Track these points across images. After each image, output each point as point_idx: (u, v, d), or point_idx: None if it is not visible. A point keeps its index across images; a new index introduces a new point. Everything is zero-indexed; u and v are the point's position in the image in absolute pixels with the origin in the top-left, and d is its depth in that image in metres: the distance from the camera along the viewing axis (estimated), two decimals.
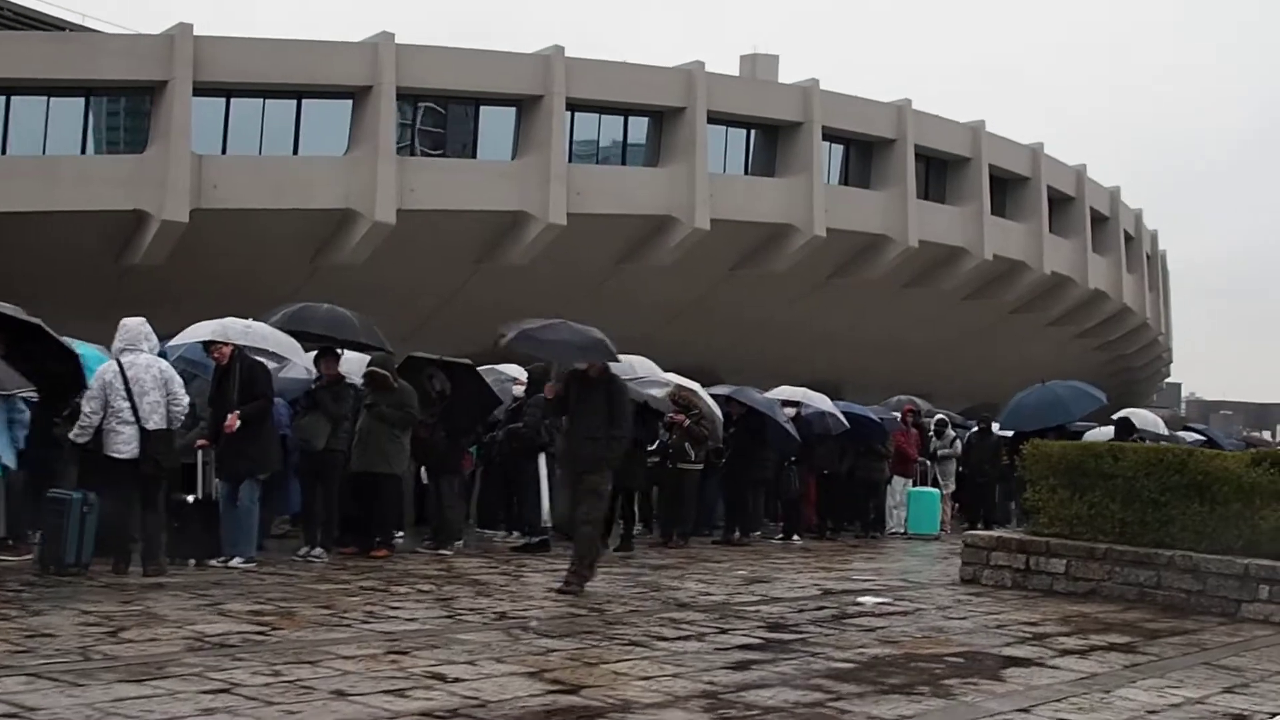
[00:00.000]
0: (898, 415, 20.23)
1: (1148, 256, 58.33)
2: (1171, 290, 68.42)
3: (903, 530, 19.53)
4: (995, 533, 13.25)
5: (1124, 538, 12.13)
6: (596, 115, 39.61)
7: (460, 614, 9.36)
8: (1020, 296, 48.32)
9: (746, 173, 41.88)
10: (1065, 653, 8.83)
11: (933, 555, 16.59)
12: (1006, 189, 47.64)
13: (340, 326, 13.48)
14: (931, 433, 21.31)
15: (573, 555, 10.93)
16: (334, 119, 36.30)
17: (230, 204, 33.45)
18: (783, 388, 18.63)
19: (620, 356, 17.82)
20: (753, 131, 42.03)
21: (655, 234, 39.19)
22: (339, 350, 13.12)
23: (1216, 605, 11.21)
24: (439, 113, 38.60)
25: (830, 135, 42.43)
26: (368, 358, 13.37)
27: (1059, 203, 49.57)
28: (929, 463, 20.72)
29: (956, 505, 21.94)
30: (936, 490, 20.15)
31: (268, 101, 36.10)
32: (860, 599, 11.20)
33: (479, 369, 15.46)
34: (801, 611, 10.27)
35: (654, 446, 15.96)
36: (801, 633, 9.15)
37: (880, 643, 8.87)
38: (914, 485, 20.03)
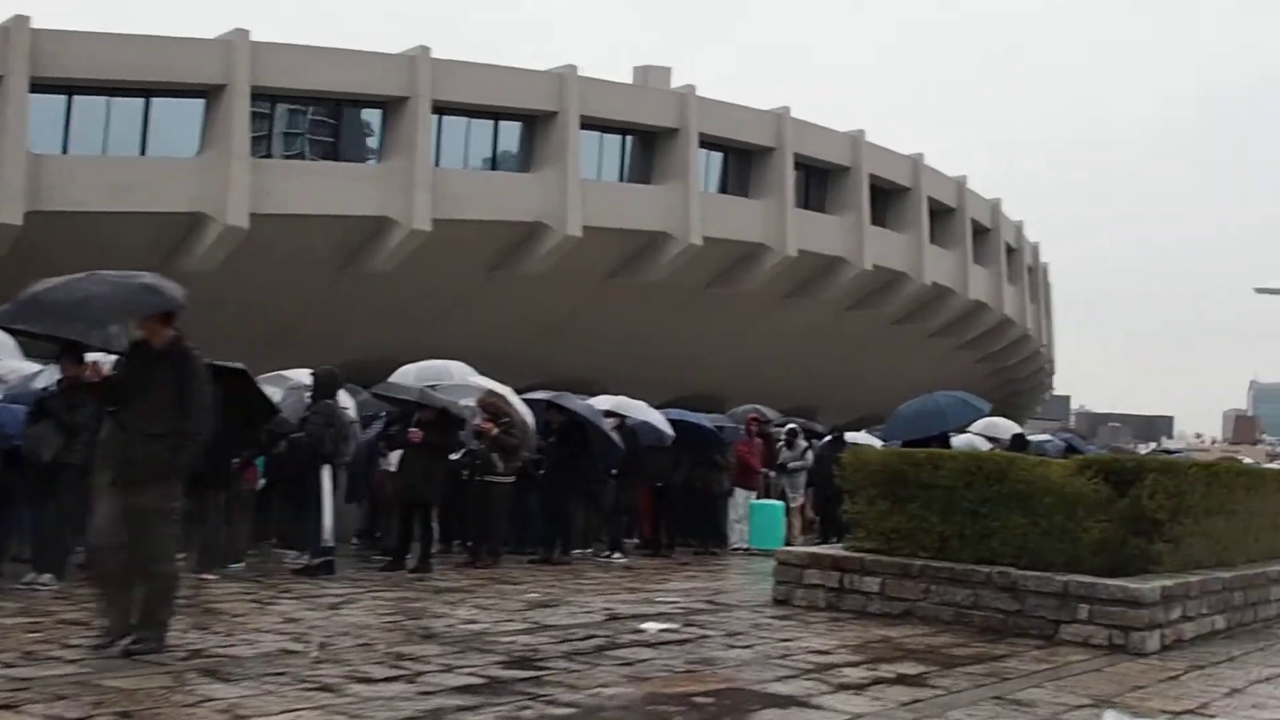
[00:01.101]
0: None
1: (1029, 268, 57.97)
2: (1055, 304, 68.40)
3: (744, 546, 18.31)
4: (809, 549, 12.08)
5: (944, 553, 10.98)
6: (465, 119, 38.20)
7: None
8: (902, 307, 47.57)
9: (622, 180, 40.68)
10: (842, 688, 7.60)
11: (764, 573, 15.28)
12: (888, 199, 46.89)
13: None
14: (781, 443, 20.14)
15: (142, 602, 7.86)
16: (185, 119, 34.56)
17: (70, 206, 31.54)
18: (601, 396, 17.33)
19: (439, 362, 16.65)
20: (629, 138, 40.87)
21: (526, 241, 37.83)
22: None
23: (1035, 627, 10.08)
24: (298, 114, 36.96)
25: (708, 143, 41.39)
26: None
27: (940, 214, 48.92)
28: (773, 474, 19.53)
29: (817, 519, 20.76)
30: (781, 503, 18.93)
31: (113, 99, 34.29)
32: (644, 625, 9.92)
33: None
34: (564, 642, 8.96)
35: (458, 456, 14.62)
36: (543, 668, 7.83)
37: (628, 680, 7.59)
38: (758, 498, 18.83)
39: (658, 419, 16.51)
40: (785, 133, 42.07)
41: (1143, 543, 10.64)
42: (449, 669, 7.68)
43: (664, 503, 17.33)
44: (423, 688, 7.07)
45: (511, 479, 14.80)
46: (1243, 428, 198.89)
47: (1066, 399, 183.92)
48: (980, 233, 51.35)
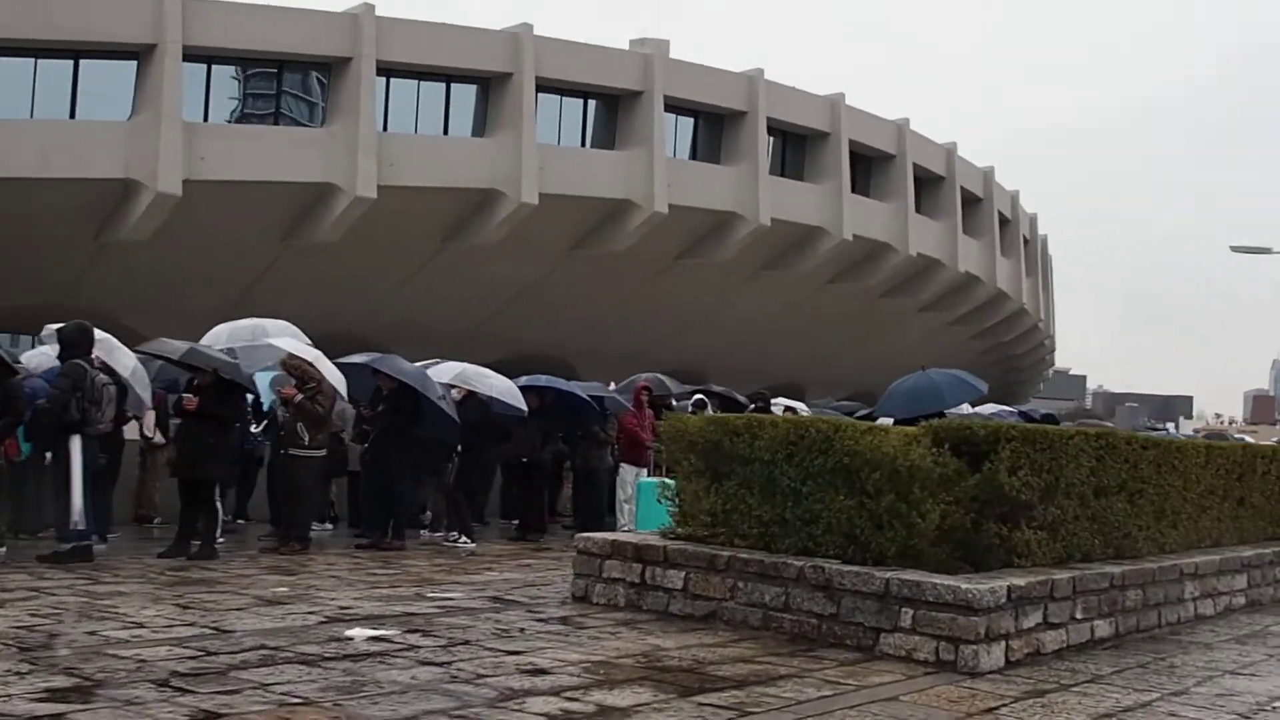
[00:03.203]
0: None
1: (1025, 240, 55.37)
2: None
3: (630, 527, 16.05)
4: (610, 535, 9.86)
5: (766, 542, 8.77)
6: (415, 81, 35.99)
7: None
8: (886, 280, 45.17)
9: (583, 145, 38.39)
10: None
11: None
12: (871, 166, 44.49)
13: None
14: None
15: None
16: (116, 81, 32.48)
17: None
18: (447, 364, 15.07)
19: (254, 320, 14.45)
20: (590, 101, 38.59)
21: (480, 209, 35.67)
22: None
23: (852, 635, 7.83)
24: (237, 77, 34.80)
25: (676, 107, 39.08)
26: None
27: (928, 182, 46.50)
28: None
29: None
30: (672, 480, 16.60)
31: (40, 61, 32.24)
32: (350, 632, 7.73)
33: None
34: (208, 656, 6.78)
35: (259, 429, 12.45)
36: (94, 698, 5.67)
37: (194, 716, 5.41)
38: (649, 475, 16.56)
39: (509, 390, 14.26)
40: (759, 96, 39.72)
41: (1004, 530, 8.39)
42: None
43: (531, 481, 15.11)
44: None
45: (320, 452, 12.61)
46: (1261, 407, 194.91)
47: (1083, 378, 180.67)
48: (971, 202, 48.85)
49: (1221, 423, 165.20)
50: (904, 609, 7.63)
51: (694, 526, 9.31)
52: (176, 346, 11.86)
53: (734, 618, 8.47)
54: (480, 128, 36.43)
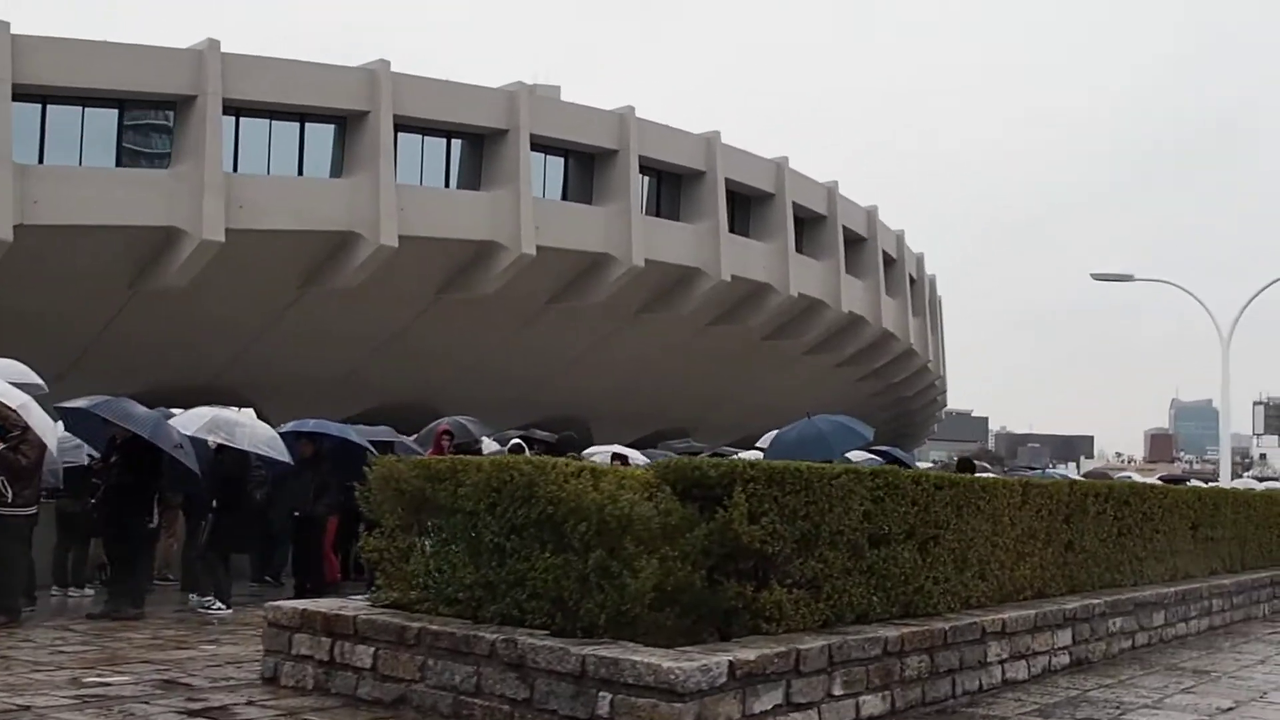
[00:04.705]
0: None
1: (912, 279, 54.45)
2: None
3: None
4: (302, 604, 8.17)
5: (472, 609, 7.16)
6: (267, 120, 34.25)
7: None
8: (769, 321, 43.87)
9: (447, 185, 36.81)
10: None
11: None
12: (750, 206, 43.33)
13: None
14: None
15: None
16: None
17: None
18: (197, 409, 13.34)
19: None
20: (455, 141, 37.05)
21: (339, 252, 33.94)
22: None
23: None
24: (73, 117, 32.79)
25: (543, 146, 37.65)
26: None
27: (809, 222, 45.41)
28: None
29: None
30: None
31: None
32: None
33: None
34: None
35: None
36: None
37: None
38: None
39: (270, 440, 12.55)
40: (630, 134, 38.42)
41: (748, 590, 6.85)
42: None
43: (305, 536, 13.37)
44: None
45: (27, 510, 10.81)
46: (1159, 446, 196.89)
47: (985, 420, 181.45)
48: (855, 242, 47.81)
49: (1122, 461, 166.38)
50: (602, 693, 6.04)
51: (400, 591, 7.68)
52: None
53: (424, 703, 6.84)
54: (338, 168, 34.75)
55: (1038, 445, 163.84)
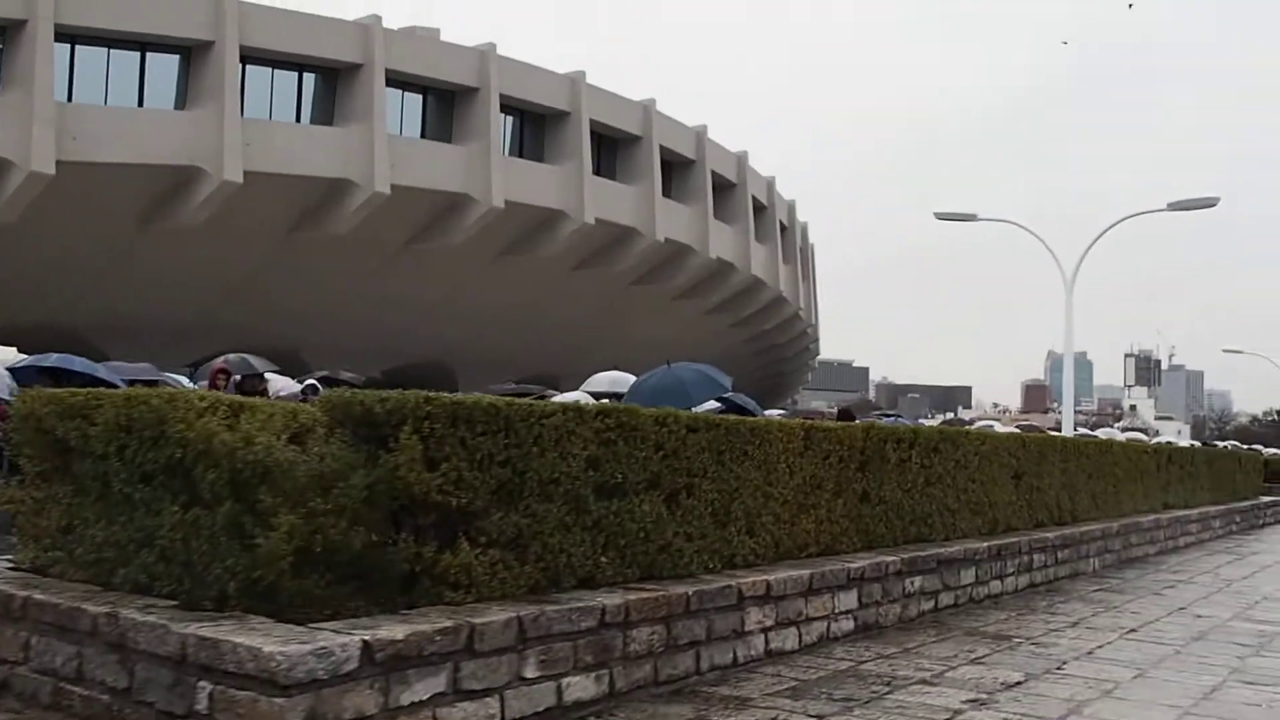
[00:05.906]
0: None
1: (782, 226, 53.52)
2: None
3: None
4: None
5: (105, 573, 5.82)
6: (105, 49, 32.11)
7: None
8: (636, 266, 42.66)
9: (298, 120, 34.95)
10: None
11: None
12: (616, 149, 41.96)
13: None
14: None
15: None
16: None
17: None
18: None
19: None
20: (307, 75, 35.16)
21: (180, 189, 32.00)
22: None
23: None
24: None
25: (401, 82, 35.93)
26: None
27: (678, 165, 44.18)
28: None
29: None
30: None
31: None
32: None
33: None
34: None
35: None
36: None
37: None
38: None
39: None
40: (490, 72, 36.83)
41: (429, 550, 5.59)
42: None
43: None
44: None
45: None
46: (1034, 397, 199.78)
47: (865, 370, 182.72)
48: (724, 188, 46.70)
49: (998, 411, 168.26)
50: (201, 682, 4.74)
51: (35, 551, 6.32)
52: None
53: (26, 690, 5.51)
54: (182, 100, 32.74)
55: (918, 395, 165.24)
